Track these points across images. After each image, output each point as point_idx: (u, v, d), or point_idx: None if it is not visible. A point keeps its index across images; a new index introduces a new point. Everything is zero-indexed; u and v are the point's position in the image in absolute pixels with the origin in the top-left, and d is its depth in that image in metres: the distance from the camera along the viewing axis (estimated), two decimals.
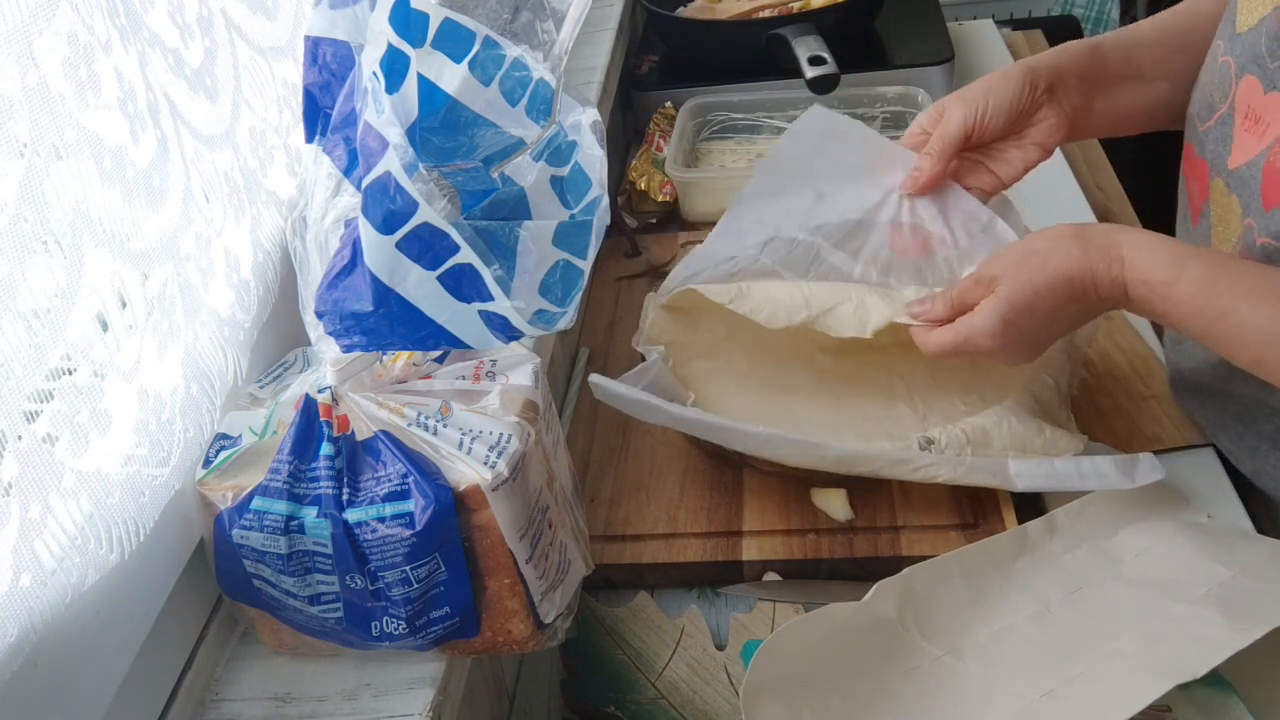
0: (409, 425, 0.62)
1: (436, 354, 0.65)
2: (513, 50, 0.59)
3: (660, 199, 1.29)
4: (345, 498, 0.60)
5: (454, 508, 0.60)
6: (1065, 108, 0.85)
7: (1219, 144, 0.77)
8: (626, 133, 1.51)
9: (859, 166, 0.89)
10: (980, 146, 0.87)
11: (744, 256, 0.88)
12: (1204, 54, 0.83)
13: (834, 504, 0.85)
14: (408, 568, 0.60)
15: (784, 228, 0.88)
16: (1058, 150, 1.30)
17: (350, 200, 0.60)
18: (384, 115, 0.56)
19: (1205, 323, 0.69)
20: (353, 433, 0.62)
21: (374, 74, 0.57)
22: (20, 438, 0.50)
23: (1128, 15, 2.06)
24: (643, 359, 0.89)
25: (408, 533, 0.59)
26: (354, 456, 0.61)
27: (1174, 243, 0.72)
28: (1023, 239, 0.76)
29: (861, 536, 0.83)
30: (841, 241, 0.88)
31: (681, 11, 1.50)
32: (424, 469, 0.60)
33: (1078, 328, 0.79)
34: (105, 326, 0.56)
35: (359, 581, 0.61)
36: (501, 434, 0.62)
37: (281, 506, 0.61)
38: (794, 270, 0.87)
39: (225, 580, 0.65)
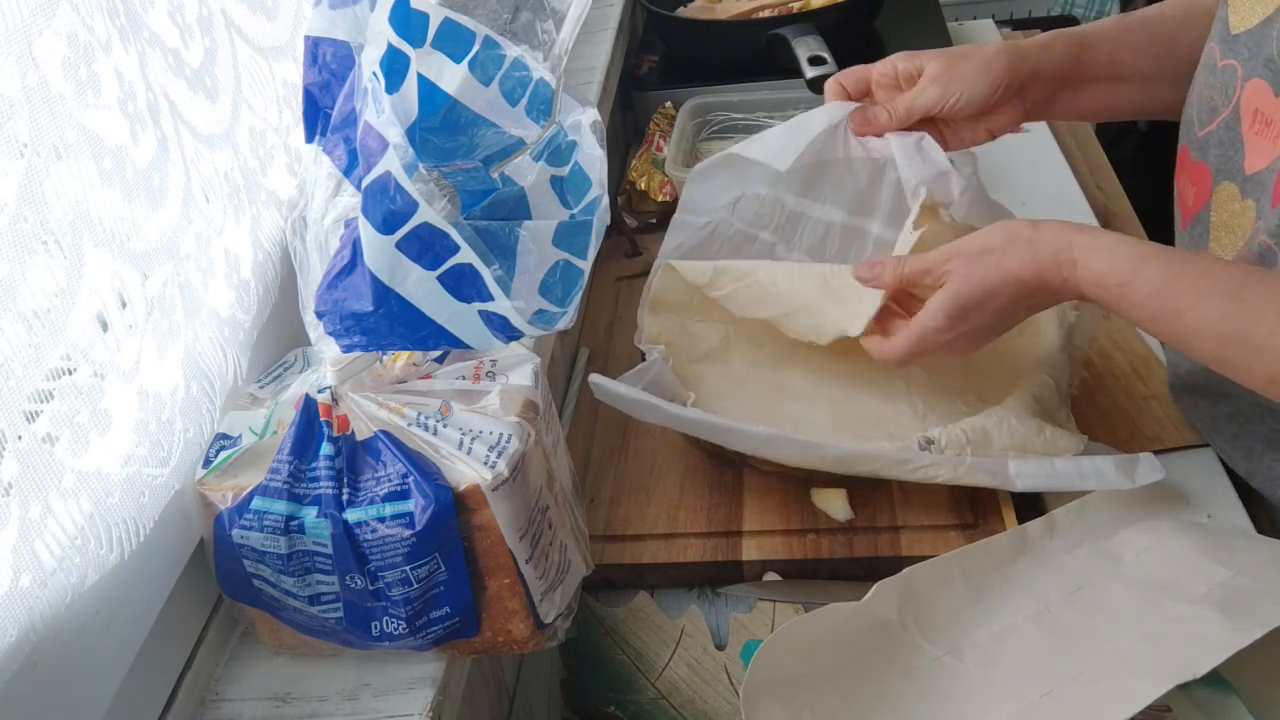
0: (409, 425, 0.62)
1: (436, 354, 0.65)
2: (513, 50, 0.59)
3: (660, 199, 1.29)
4: (345, 498, 0.60)
5: (454, 508, 0.60)
6: (1026, 104, 0.87)
7: (1225, 148, 0.76)
8: (626, 133, 1.51)
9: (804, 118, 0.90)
10: None
11: (719, 219, 0.90)
12: (1183, 58, 0.83)
13: (834, 504, 0.85)
14: (408, 568, 0.60)
15: (749, 183, 0.90)
16: (1057, 150, 1.31)
17: (350, 200, 0.60)
18: (384, 115, 0.56)
19: (1164, 324, 0.68)
20: (353, 433, 0.62)
21: (374, 74, 0.57)
22: (20, 438, 0.50)
23: None
24: (643, 359, 0.89)
25: (408, 533, 0.59)
26: (354, 456, 0.61)
27: (1131, 243, 0.70)
28: (978, 233, 0.76)
29: (861, 536, 0.83)
30: (804, 189, 0.89)
31: (681, 11, 1.50)
32: (424, 469, 0.60)
33: (1032, 315, 0.79)
34: (105, 326, 0.56)
35: (359, 581, 0.61)
36: (501, 434, 0.62)
37: (281, 506, 0.61)
38: (767, 229, 0.89)
39: (225, 580, 0.65)
